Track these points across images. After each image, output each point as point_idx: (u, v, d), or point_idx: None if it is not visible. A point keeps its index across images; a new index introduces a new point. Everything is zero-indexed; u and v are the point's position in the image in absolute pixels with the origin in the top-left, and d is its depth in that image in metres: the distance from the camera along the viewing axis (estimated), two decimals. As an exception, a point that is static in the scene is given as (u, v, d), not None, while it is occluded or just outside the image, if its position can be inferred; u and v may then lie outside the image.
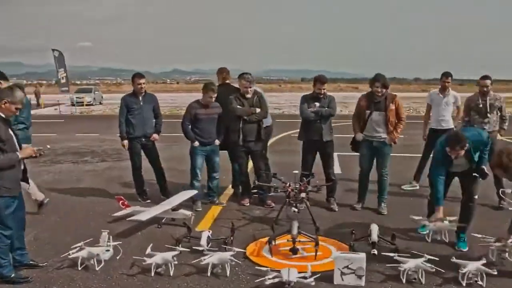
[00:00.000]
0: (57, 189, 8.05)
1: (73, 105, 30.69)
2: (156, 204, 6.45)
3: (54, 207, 6.91)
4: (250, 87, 6.71)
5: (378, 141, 6.46)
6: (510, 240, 4.75)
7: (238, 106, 6.69)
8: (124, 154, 11.29)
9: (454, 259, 4.46)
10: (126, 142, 7.02)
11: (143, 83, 7.00)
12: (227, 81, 7.34)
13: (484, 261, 4.40)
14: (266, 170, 7.15)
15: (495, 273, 4.26)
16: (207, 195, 7.07)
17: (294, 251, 4.92)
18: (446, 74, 7.52)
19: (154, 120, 7.24)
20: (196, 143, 6.65)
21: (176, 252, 4.61)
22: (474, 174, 5.23)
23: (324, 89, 6.50)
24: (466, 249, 5.19)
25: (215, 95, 6.61)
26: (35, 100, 35.66)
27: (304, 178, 6.30)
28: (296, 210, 5.82)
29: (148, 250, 4.70)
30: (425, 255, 4.51)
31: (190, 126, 6.69)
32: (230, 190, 7.73)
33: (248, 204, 7.00)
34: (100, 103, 37.23)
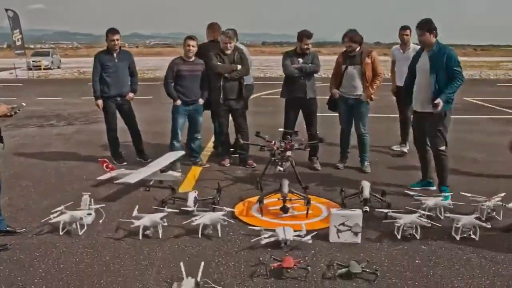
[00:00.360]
0: (24, 154, 7.66)
1: (30, 69, 29.30)
2: (133, 166, 6.22)
3: (24, 172, 6.60)
4: (230, 43, 6.42)
5: (354, 98, 6.33)
6: (498, 199, 4.78)
7: (218, 63, 6.42)
8: (92, 118, 10.99)
9: (448, 214, 4.44)
10: (100, 101, 6.65)
11: (117, 39, 6.62)
12: (214, 39, 6.95)
13: (477, 214, 4.40)
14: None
15: (489, 226, 4.26)
16: (189, 156, 6.85)
17: (285, 210, 4.79)
18: (404, 27, 7.30)
19: (130, 78, 6.89)
20: (179, 102, 6.39)
21: (164, 214, 4.41)
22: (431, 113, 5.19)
23: (308, 44, 6.27)
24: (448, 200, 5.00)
25: (194, 43, 6.38)
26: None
27: (288, 136, 6.16)
28: (281, 169, 5.71)
29: (135, 212, 4.48)
30: (419, 210, 4.47)
31: (173, 84, 6.42)
32: (209, 150, 7.54)
33: (229, 164, 6.82)
34: (59, 67, 35.87)
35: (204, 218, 4.29)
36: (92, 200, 4.80)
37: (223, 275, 3.61)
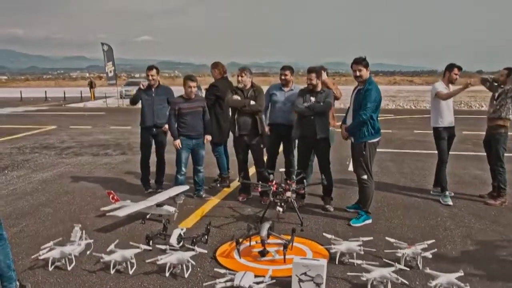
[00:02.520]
0: (65, 182, 8.23)
1: (121, 97, 31.42)
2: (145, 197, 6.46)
3: (53, 199, 7.08)
4: (242, 76, 6.58)
5: None
6: (421, 247, 4.54)
7: (232, 97, 6.62)
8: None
9: (427, 270, 4.11)
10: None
11: (152, 75, 7.15)
12: (225, 75, 7.42)
13: (461, 273, 4.03)
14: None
15: (398, 281, 3.90)
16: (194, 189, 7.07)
17: (262, 253, 4.72)
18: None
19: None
20: (177, 144, 6.71)
21: (137, 250, 4.52)
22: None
23: (311, 79, 6.14)
24: (360, 224, 5.73)
25: (194, 84, 6.66)
26: (89, 92, 37.08)
27: (294, 177, 6.07)
28: (281, 210, 5.63)
29: (111, 247, 4.64)
30: (396, 264, 4.19)
31: (175, 123, 6.71)
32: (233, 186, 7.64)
33: (243, 199, 6.84)
34: (150, 96, 38.00)
35: (171, 257, 4.34)
36: (84, 231, 5.04)
37: (163, 317, 3.63)
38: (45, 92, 38.24)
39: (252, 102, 6.50)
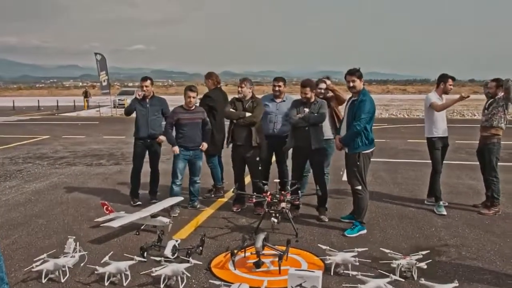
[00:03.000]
0: (58, 192, 8.19)
1: (115, 107, 31.42)
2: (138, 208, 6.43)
3: (47, 209, 7.04)
4: (242, 87, 6.63)
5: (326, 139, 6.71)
6: (416, 258, 4.57)
7: (229, 109, 6.66)
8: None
9: (422, 281, 4.11)
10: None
11: (146, 86, 7.13)
12: (219, 85, 7.46)
13: (456, 284, 4.03)
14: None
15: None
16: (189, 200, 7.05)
17: (257, 264, 4.70)
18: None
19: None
20: (176, 151, 6.66)
21: (131, 262, 4.49)
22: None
23: (306, 93, 6.19)
24: (355, 235, 5.74)
25: (194, 94, 6.65)
26: (83, 101, 37.07)
27: (288, 188, 6.08)
28: (275, 220, 5.63)
29: (106, 259, 4.60)
30: (391, 275, 4.19)
31: (172, 132, 6.72)
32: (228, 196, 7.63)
33: (237, 210, 6.83)
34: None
35: (166, 269, 4.31)
36: (78, 243, 5.01)
37: (158, 330, 3.61)
38: (38, 101, 38.15)
39: (248, 114, 6.51)
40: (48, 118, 27.76)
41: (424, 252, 4.77)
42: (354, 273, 4.33)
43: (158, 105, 7.23)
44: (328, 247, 4.96)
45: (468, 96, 6.90)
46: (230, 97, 7.17)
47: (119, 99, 33.81)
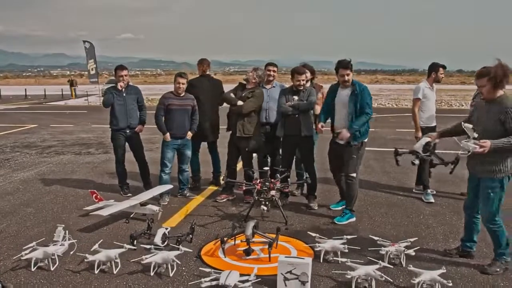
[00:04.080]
0: (46, 181, 8.13)
1: (103, 96, 31.09)
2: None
3: (35, 198, 6.99)
4: (248, 75, 6.64)
5: None
6: (404, 245, 4.65)
7: (228, 94, 6.70)
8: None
9: (410, 267, 4.15)
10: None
11: (125, 75, 6.95)
12: (207, 73, 7.31)
13: (443, 270, 4.09)
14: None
15: (450, 284, 3.93)
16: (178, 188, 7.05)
17: (247, 252, 4.73)
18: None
19: (139, 112, 7.18)
20: (168, 137, 6.59)
21: (121, 250, 4.49)
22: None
23: (302, 80, 6.20)
24: (344, 222, 5.79)
25: (184, 80, 6.61)
26: (70, 91, 36.75)
27: (278, 175, 6.09)
28: (265, 208, 5.65)
29: (95, 247, 4.60)
30: (380, 262, 4.24)
31: (163, 118, 6.63)
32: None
33: (223, 200, 6.82)
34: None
35: (156, 257, 4.32)
36: (67, 231, 4.99)
37: (149, 317, 3.62)
38: (25, 90, 37.71)
39: (240, 103, 6.49)
40: (35, 107, 27.47)
41: (412, 239, 4.83)
42: (344, 260, 4.38)
43: (134, 93, 7.09)
44: (317, 235, 5.00)
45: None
46: (226, 86, 7.13)
47: (107, 88, 33.53)
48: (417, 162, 4.83)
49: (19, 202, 6.82)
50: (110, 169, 8.95)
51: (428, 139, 4.78)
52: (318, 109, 6.47)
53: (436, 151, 5.14)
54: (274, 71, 6.78)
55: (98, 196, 6.30)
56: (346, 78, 5.73)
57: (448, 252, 4.78)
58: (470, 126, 4.22)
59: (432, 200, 6.76)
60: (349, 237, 4.88)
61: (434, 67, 6.91)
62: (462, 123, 4.34)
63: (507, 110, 4.05)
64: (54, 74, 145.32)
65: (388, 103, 28.50)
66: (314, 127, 6.37)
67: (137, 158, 7.26)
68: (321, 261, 4.61)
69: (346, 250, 4.65)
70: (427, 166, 6.83)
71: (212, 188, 7.50)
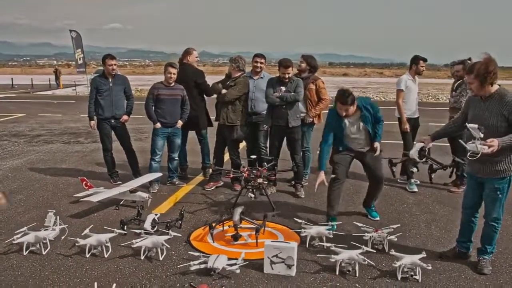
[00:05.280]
0: (36, 169, 8.18)
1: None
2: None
3: (25, 186, 7.05)
4: (232, 67, 6.73)
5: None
6: (387, 231, 4.79)
7: (215, 84, 6.79)
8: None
9: (392, 252, 4.31)
10: (93, 122, 7.04)
11: (114, 65, 6.99)
12: (186, 62, 7.20)
13: (423, 255, 4.25)
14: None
15: (430, 267, 4.10)
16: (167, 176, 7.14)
17: (235, 237, 4.86)
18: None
19: (126, 102, 7.23)
20: (158, 125, 6.65)
21: (112, 234, 4.59)
22: (369, 154, 5.51)
23: (288, 73, 6.31)
24: (377, 218, 5.70)
25: (175, 70, 6.67)
26: (55, 81, 36.47)
27: (265, 163, 6.22)
28: (252, 196, 5.78)
29: (86, 231, 4.69)
30: (363, 246, 4.38)
31: (153, 107, 6.70)
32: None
33: (211, 188, 6.94)
34: (119, 84, 37.57)
35: (146, 241, 4.43)
36: (58, 217, 5.07)
37: (140, 298, 3.74)
38: (12, 79, 37.31)
39: (224, 91, 6.60)
40: (23, 96, 27.26)
41: (395, 226, 4.98)
42: (328, 245, 4.52)
43: (121, 84, 7.12)
44: (303, 221, 5.14)
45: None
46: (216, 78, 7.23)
47: (95, 78, 33.34)
48: (415, 170, 4.82)
49: (9, 189, 6.87)
50: (100, 158, 8.98)
51: (422, 144, 4.70)
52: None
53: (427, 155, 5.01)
54: (261, 62, 6.87)
55: (88, 184, 6.38)
56: (344, 113, 5.28)
57: (444, 255, 4.63)
58: (476, 126, 3.95)
59: (416, 190, 6.94)
60: (333, 223, 5.03)
61: (414, 60, 7.11)
62: (467, 124, 4.11)
63: (509, 104, 3.94)
64: (41, 63, 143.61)
65: (376, 96, 28.69)
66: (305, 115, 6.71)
67: (124, 147, 7.33)
68: (307, 246, 4.75)
69: (331, 236, 4.80)
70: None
71: (200, 177, 7.60)
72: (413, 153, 4.72)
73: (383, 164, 5.62)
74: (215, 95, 6.92)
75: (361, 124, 5.38)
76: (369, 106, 5.38)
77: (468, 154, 4.02)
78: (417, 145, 4.73)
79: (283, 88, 6.33)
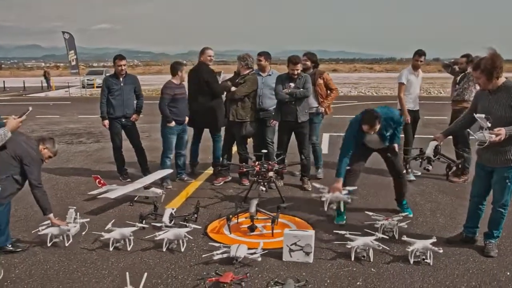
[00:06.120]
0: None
1: (83, 87, 30.99)
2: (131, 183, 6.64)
3: (38, 185, 7.16)
4: (241, 65, 6.93)
5: (311, 112, 6.98)
6: (397, 219, 5.01)
7: (224, 82, 7.04)
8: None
9: (404, 237, 4.52)
10: (106, 122, 7.20)
11: (124, 65, 7.15)
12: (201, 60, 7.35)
13: (434, 239, 4.47)
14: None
15: (441, 251, 4.32)
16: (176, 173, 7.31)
17: (251, 228, 5.06)
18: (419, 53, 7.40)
19: (136, 101, 7.39)
20: (173, 124, 6.82)
21: (134, 228, 4.76)
22: (388, 154, 5.64)
23: (297, 69, 6.50)
24: (411, 214, 5.66)
25: (184, 70, 6.94)
26: (46, 83, 36.39)
27: (275, 158, 6.41)
28: (264, 189, 5.97)
29: (109, 226, 4.86)
30: (376, 233, 4.60)
31: (166, 107, 6.84)
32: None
33: (219, 183, 7.13)
34: (111, 85, 37.57)
35: (168, 233, 4.61)
36: (78, 213, 5.22)
37: (168, 286, 3.91)
38: (4, 82, 37.17)
39: (233, 89, 6.78)
40: (16, 99, 27.19)
41: (403, 214, 5.21)
42: (342, 232, 4.72)
43: (131, 83, 7.29)
44: (321, 186, 5.49)
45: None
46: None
47: (87, 79, 33.34)
48: (431, 168, 4.93)
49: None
50: (105, 157, 9.19)
51: (436, 142, 4.85)
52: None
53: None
54: (259, 60, 7.08)
55: (102, 181, 6.52)
56: (376, 129, 5.24)
57: (452, 240, 4.82)
58: (483, 115, 4.11)
59: (413, 178, 7.25)
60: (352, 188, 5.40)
61: (414, 54, 7.41)
62: (474, 114, 4.26)
63: None
64: (29, 66, 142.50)
65: (368, 91, 29.03)
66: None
67: (134, 145, 7.48)
68: (326, 210, 5.15)
69: (349, 201, 5.19)
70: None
71: (208, 172, 7.77)
72: (429, 152, 4.88)
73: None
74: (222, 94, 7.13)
75: (383, 132, 5.39)
76: (390, 120, 5.34)
77: (477, 143, 4.22)
78: (432, 144, 4.88)
79: (292, 85, 6.52)
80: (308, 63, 7.11)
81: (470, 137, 4.46)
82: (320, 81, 7.12)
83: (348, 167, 5.49)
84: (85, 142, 11.26)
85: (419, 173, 7.46)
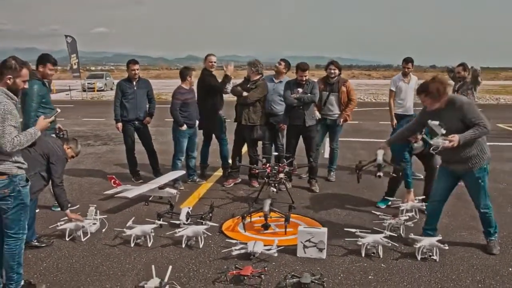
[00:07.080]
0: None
1: (84, 90, 31.18)
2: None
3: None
4: (252, 71, 7.14)
5: (331, 119, 7.32)
6: (403, 218, 5.24)
7: (235, 87, 7.25)
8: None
9: (411, 235, 4.77)
10: (120, 124, 7.41)
11: (137, 69, 7.38)
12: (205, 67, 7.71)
13: (439, 237, 4.72)
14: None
15: (447, 248, 4.57)
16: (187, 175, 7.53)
17: (265, 226, 5.30)
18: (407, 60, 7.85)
19: (148, 105, 7.62)
20: (185, 127, 7.05)
21: (154, 225, 4.99)
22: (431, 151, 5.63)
23: (305, 76, 6.77)
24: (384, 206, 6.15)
25: (194, 73, 7.20)
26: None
27: (285, 160, 6.65)
28: (274, 190, 6.20)
29: (129, 223, 5.09)
30: (385, 231, 4.84)
31: (178, 111, 7.06)
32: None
33: (230, 185, 7.36)
34: (111, 89, 37.72)
35: (187, 230, 4.84)
36: (98, 211, 5.46)
37: (191, 279, 4.15)
38: (4, 84, 37.23)
39: (245, 94, 7.03)
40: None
41: (410, 214, 5.46)
42: (353, 230, 4.96)
43: (144, 87, 7.53)
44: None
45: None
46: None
47: (88, 83, 33.55)
48: (382, 174, 5.17)
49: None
50: (115, 159, 9.41)
51: (383, 151, 5.10)
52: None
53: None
54: (280, 64, 7.44)
55: (117, 181, 6.73)
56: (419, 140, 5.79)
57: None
58: (437, 122, 4.35)
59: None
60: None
61: (402, 61, 7.95)
62: (429, 121, 4.49)
63: (461, 107, 4.34)
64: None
65: (367, 98, 29.33)
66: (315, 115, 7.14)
67: (146, 147, 7.71)
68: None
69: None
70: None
71: (218, 174, 8.01)
72: (380, 159, 5.11)
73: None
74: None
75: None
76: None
77: (432, 148, 4.49)
78: (380, 152, 5.11)
79: (300, 90, 6.80)
80: (336, 71, 7.30)
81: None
82: (344, 88, 7.31)
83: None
84: (93, 144, 11.47)
85: (421, 176, 7.69)
